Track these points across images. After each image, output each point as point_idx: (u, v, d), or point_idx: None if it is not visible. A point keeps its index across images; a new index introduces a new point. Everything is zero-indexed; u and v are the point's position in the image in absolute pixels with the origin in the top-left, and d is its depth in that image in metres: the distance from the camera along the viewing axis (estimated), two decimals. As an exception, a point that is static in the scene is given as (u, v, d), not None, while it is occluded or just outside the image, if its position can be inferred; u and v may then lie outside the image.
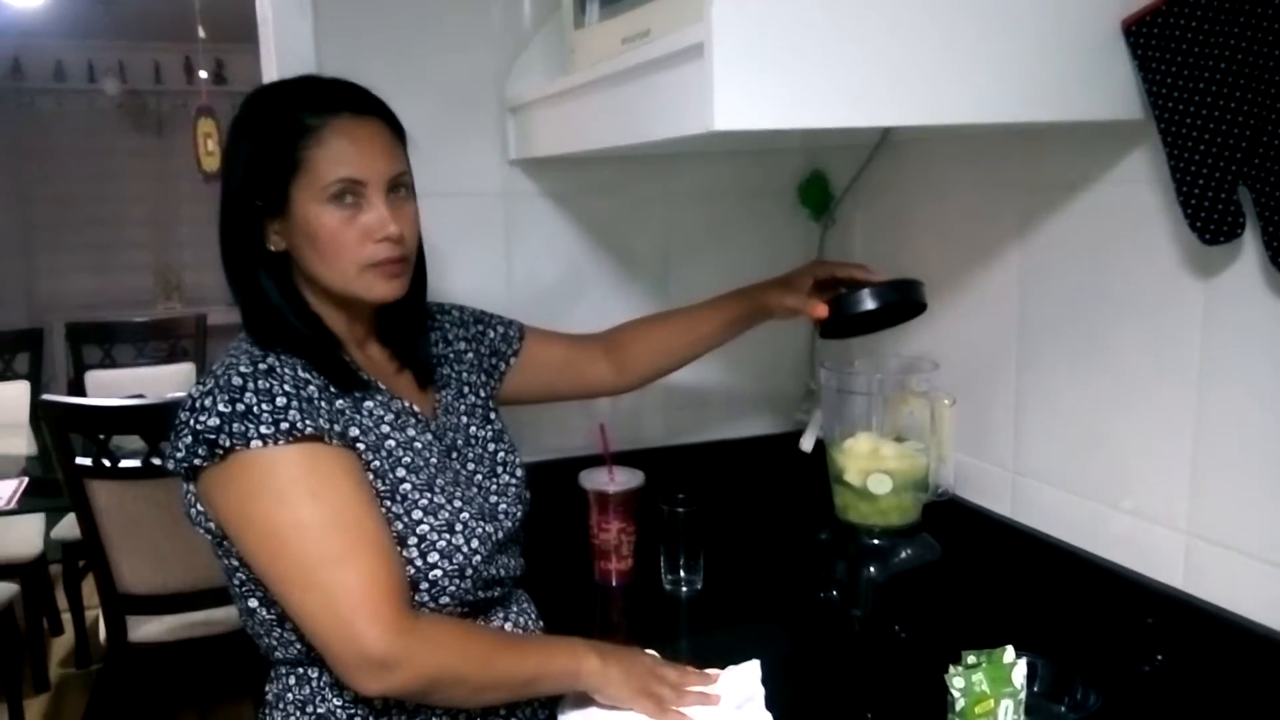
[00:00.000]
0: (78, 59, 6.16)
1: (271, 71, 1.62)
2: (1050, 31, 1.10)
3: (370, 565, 1.06)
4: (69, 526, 3.30)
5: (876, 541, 1.35)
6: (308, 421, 1.07)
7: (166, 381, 4.13)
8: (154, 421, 2.49)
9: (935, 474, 1.33)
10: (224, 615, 2.65)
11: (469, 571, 1.18)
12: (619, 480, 1.63)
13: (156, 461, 2.43)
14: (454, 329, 1.42)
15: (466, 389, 1.38)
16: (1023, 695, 1.06)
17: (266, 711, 1.22)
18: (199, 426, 1.06)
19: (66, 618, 3.65)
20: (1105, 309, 1.29)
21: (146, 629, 2.63)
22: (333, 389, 1.15)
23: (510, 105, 1.71)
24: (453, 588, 1.17)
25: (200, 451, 1.06)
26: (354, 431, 1.15)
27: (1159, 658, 1.20)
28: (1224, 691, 1.12)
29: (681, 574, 1.60)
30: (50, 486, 2.75)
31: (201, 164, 5.00)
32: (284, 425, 1.06)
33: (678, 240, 1.91)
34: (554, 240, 1.82)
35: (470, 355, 1.41)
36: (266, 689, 1.24)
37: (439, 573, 1.15)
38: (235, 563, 1.13)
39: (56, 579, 3.63)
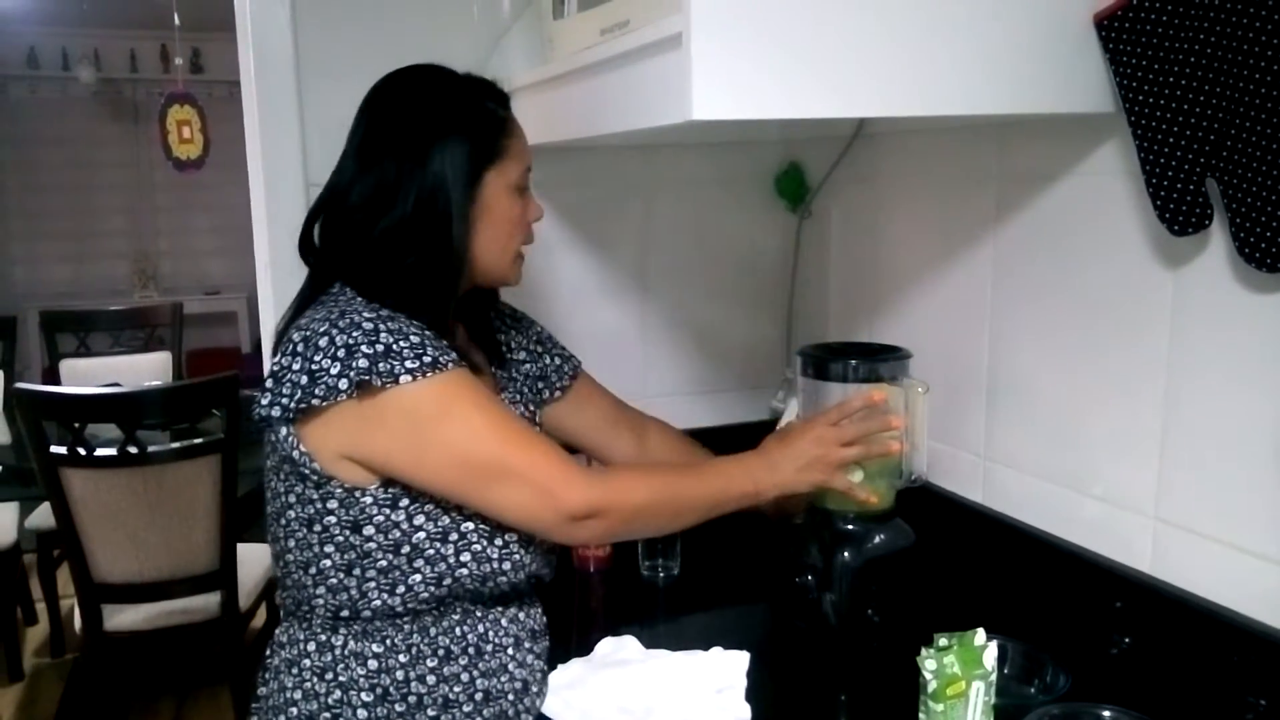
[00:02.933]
0: (51, 46, 6.10)
1: (249, 63, 1.62)
2: (1024, 25, 1.11)
3: (543, 445, 1.17)
4: (44, 515, 3.28)
5: (851, 527, 1.37)
6: (446, 356, 1.12)
7: (143, 370, 4.10)
8: (130, 409, 2.48)
9: (909, 461, 1.35)
10: (201, 603, 2.64)
11: (506, 570, 1.20)
12: (597, 468, 1.64)
13: (133, 450, 2.42)
14: (519, 336, 1.45)
15: (519, 398, 1.40)
16: (993, 677, 1.08)
17: (271, 675, 1.22)
18: (326, 366, 1.07)
19: (41, 607, 3.63)
20: (1076, 298, 1.31)
21: (122, 618, 2.62)
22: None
23: (489, 94, 1.71)
24: (493, 582, 1.20)
25: (318, 392, 1.07)
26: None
27: (1127, 640, 1.22)
28: (1190, 673, 1.14)
29: (659, 560, 1.62)
30: (24, 475, 2.74)
31: (174, 151, 4.97)
32: (426, 359, 1.10)
33: (656, 230, 1.92)
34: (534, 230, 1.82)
35: (528, 367, 1.45)
36: (271, 654, 1.24)
37: (465, 573, 1.17)
38: (332, 505, 1.14)
39: (31, 568, 3.60)
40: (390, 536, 1.14)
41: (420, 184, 1.17)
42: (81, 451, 2.42)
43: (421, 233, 1.18)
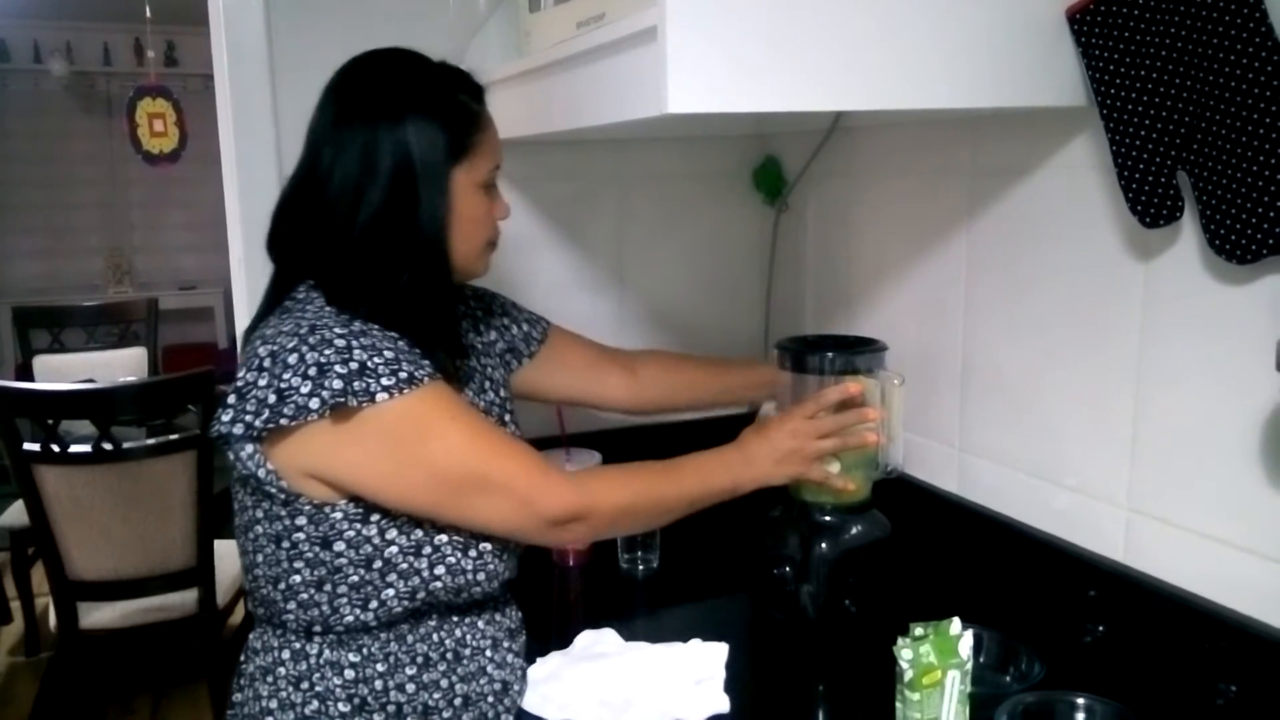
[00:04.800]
0: (23, 38, 6.04)
1: (223, 55, 1.61)
2: (997, 19, 1.12)
3: (520, 452, 1.16)
4: (17, 513, 3.26)
5: (828, 519, 1.38)
6: (421, 370, 1.10)
7: (118, 366, 4.08)
8: (104, 405, 2.47)
9: (885, 453, 1.36)
10: (177, 600, 2.63)
11: (480, 580, 1.19)
12: (575, 461, 1.65)
13: (107, 446, 2.40)
14: (485, 317, 1.44)
15: (488, 384, 1.37)
16: (969, 666, 1.08)
17: (246, 682, 1.20)
18: (295, 385, 1.04)
19: (16, 606, 3.60)
20: (1049, 291, 1.32)
21: (98, 615, 2.61)
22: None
23: (466, 88, 1.70)
24: (469, 590, 1.19)
25: (286, 411, 1.04)
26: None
27: (1100, 628, 1.24)
28: (1162, 660, 1.16)
29: (638, 553, 1.62)
30: (-3, 473, 2.71)
31: (145, 145, 4.92)
32: (402, 375, 1.07)
33: (633, 224, 1.92)
34: (510, 224, 1.81)
35: (500, 344, 1.43)
36: (245, 660, 1.22)
37: (439, 585, 1.16)
38: (301, 521, 1.11)
39: (5, 566, 3.58)
40: (361, 551, 1.12)
41: (395, 163, 1.13)
42: (55, 448, 2.40)
43: (399, 226, 1.14)
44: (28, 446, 2.40)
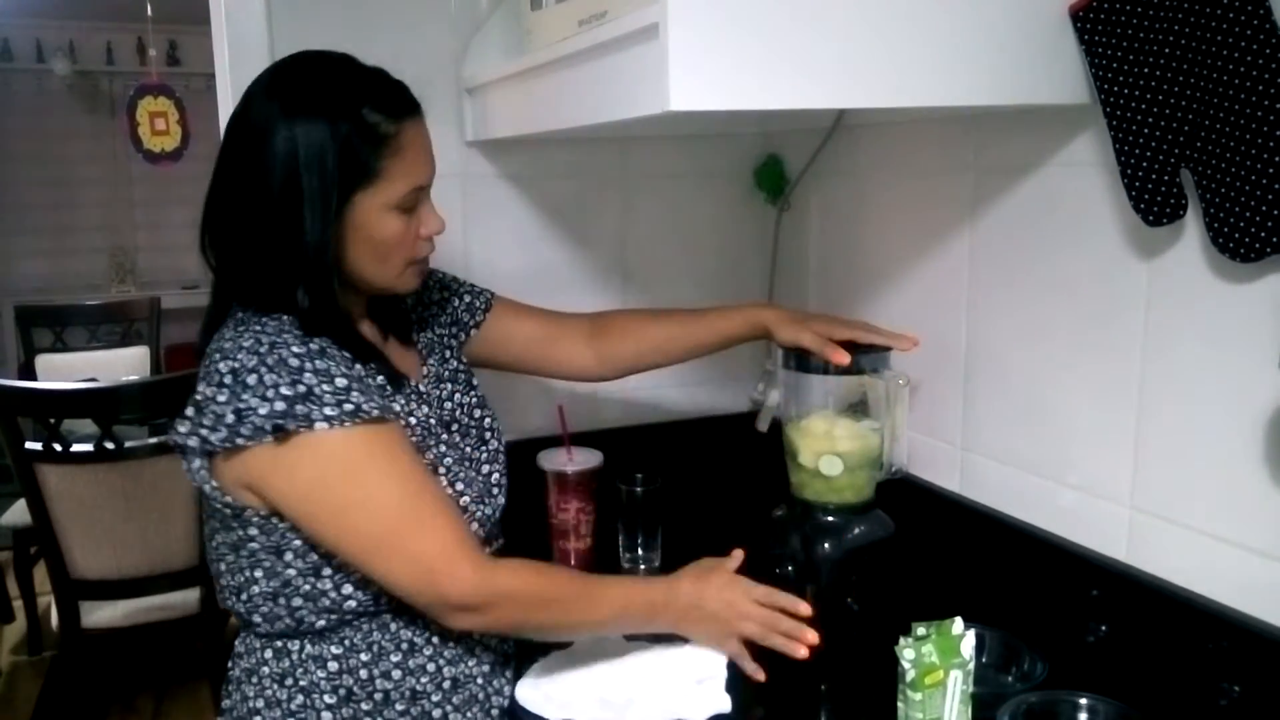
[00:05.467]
0: (26, 38, 6.03)
1: (224, 53, 1.61)
2: (1000, 16, 1.12)
3: (442, 525, 1.10)
4: (19, 512, 3.26)
5: (831, 518, 1.37)
6: (371, 403, 1.07)
7: (120, 365, 4.08)
8: (106, 404, 2.47)
9: (888, 452, 1.35)
10: (179, 599, 2.63)
11: None
12: (577, 460, 1.64)
13: (110, 445, 2.40)
14: (425, 293, 1.41)
15: (448, 354, 1.38)
16: (971, 665, 1.08)
17: (234, 687, 1.20)
18: (254, 406, 1.03)
19: (18, 605, 3.60)
20: (1052, 289, 1.32)
21: (100, 614, 2.61)
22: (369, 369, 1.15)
23: (467, 86, 1.70)
24: None
25: (244, 432, 1.04)
26: (395, 408, 1.17)
27: (1103, 628, 1.23)
28: (1165, 660, 1.15)
29: (640, 552, 1.62)
30: (-1, 472, 2.72)
31: (146, 143, 4.92)
32: (348, 407, 1.05)
33: (636, 223, 1.91)
34: (512, 222, 1.82)
35: (443, 318, 1.42)
36: (232, 665, 1.22)
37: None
38: (253, 531, 1.11)
39: (7, 565, 3.58)
40: (309, 560, 1.11)
41: (283, 178, 1.09)
42: (57, 447, 2.40)
43: (284, 240, 1.11)
44: (30, 445, 2.40)
